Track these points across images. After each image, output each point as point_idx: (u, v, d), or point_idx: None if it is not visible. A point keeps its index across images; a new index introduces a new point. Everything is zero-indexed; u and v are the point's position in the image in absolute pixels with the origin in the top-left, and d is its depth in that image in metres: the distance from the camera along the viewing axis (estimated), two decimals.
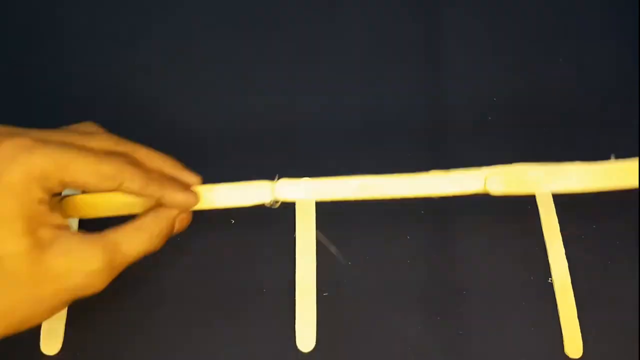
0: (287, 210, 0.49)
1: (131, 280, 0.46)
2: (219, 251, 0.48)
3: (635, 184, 0.47)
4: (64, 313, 0.46)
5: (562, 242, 0.48)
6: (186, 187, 0.40)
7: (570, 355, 0.45)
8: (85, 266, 0.36)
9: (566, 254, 0.48)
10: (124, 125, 0.52)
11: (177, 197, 0.39)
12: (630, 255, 0.49)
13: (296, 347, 0.45)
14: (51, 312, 0.37)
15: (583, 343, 0.45)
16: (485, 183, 0.45)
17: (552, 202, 0.49)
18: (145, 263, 0.46)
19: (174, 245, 0.48)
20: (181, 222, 0.41)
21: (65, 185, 0.36)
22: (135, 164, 0.38)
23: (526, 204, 0.50)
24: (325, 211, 0.49)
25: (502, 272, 0.48)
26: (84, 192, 0.41)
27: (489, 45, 0.56)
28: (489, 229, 0.49)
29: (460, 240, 0.49)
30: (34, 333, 0.45)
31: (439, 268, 0.48)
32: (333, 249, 0.47)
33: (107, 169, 0.36)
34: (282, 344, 0.45)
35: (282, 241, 0.48)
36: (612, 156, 0.47)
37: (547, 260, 0.48)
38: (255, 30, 0.56)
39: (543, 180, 0.47)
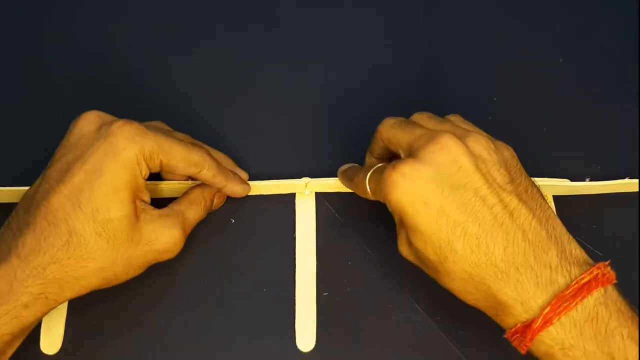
0: (287, 210, 0.50)
1: (131, 280, 0.46)
2: (219, 251, 0.48)
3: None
4: (64, 312, 0.46)
5: None
6: (242, 180, 0.48)
7: None
8: (168, 232, 0.43)
9: None
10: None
11: (236, 187, 0.47)
12: (631, 255, 0.49)
13: (296, 346, 0.45)
14: (137, 270, 0.43)
15: None
16: None
17: (552, 203, 0.50)
18: None
19: None
20: (219, 198, 0.48)
21: (162, 166, 0.43)
22: (211, 156, 0.45)
23: None
24: (326, 211, 0.49)
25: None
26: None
27: (489, 44, 0.56)
28: None
29: None
30: (34, 332, 0.45)
31: None
32: None
33: (195, 157, 0.44)
34: (282, 343, 0.45)
35: (283, 241, 0.49)
36: (587, 179, 0.50)
37: None
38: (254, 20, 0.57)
39: None
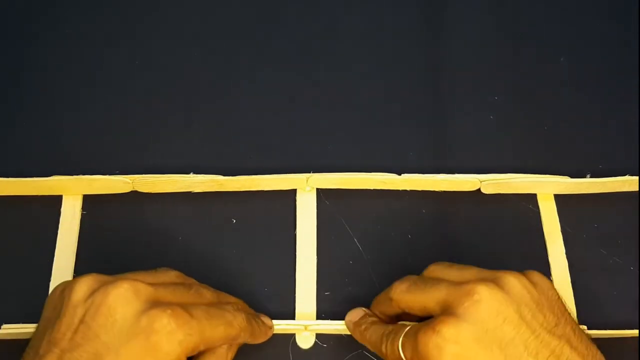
0: (288, 207, 0.49)
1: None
2: (221, 250, 0.48)
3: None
4: None
5: (562, 241, 0.49)
6: (267, 327, 0.44)
7: None
8: None
9: (566, 252, 0.48)
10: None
11: (264, 339, 0.43)
12: (631, 254, 0.49)
13: (296, 343, 0.45)
14: None
15: None
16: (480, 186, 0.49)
17: (553, 201, 0.50)
18: (146, 262, 0.47)
19: (176, 245, 0.48)
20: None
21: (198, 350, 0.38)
22: (242, 326, 0.40)
23: (528, 204, 0.50)
24: (327, 211, 0.50)
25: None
26: None
27: (490, 44, 0.56)
28: (490, 228, 0.49)
29: (461, 239, 0.49)
30: None
31: None
32: None
33: (234, 334, 0.39)
34: (282, 340, 0.45)
35: (283, 238, 0.48)
36: (588, 175, 0.49)
37: (548, 259, 0.48)
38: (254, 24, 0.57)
39: (530, 189, 0.50)
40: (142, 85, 0.54)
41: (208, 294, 0.41)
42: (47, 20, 0.56)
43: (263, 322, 0.43)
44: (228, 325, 0.39)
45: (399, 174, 0.48)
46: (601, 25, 0.57)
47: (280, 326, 0.44)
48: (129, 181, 0.48)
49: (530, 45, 0.56)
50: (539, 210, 0.50)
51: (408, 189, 0.50)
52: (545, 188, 0.49)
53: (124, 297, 0.36)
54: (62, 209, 0.48)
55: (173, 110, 0.52)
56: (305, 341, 0.45)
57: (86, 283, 0.37)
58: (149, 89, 0.54)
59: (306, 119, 0.53)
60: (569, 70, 0.55)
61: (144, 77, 0.54)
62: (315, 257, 0.48)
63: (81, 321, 0.35)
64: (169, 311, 0.35)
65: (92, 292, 0.36)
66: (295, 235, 0.48)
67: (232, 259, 0.48)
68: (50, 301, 0.38)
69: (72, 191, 0.48)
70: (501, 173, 0.49)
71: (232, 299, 0.43)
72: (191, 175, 0.48)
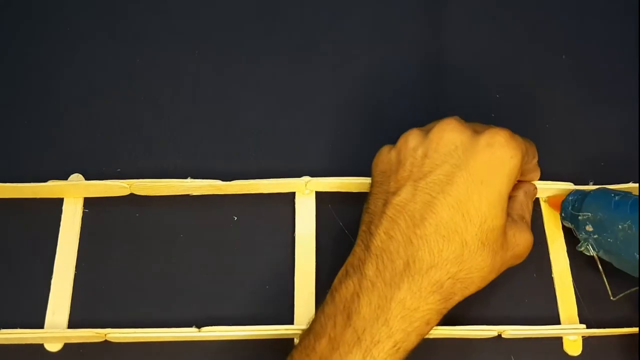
0: (288, 209, 0.49)
1: (131, 278, 0.47)
2: (221, 248, 0.49)
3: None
4: (67, 310, 0.46)
5: (563, 238, 0.49)
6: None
7: (569, 353, 0.46)
8: (524, 237, 0.43)
9: (567, 250, 0.48)
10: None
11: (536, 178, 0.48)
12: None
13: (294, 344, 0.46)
14: (495, 276, 0.42)
15: (582, 341, 0.46)
16: None
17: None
18: (147, 262, 0.47)
19: (176, 242, 0.48)
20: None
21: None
22: (535, 152, 0.45)
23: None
24: (327, 213, 0.49)
25: (505, 270, 0.47)
26: None
27: (491, 41, 0.56)
28: None
29: None
30: None
31: None
32: None
33: (533, 156, 0.45)
34: (281, 345, 0.46)
35: (283, 239, 0.49)
36: (591, 183, 0.49)
37: (549, 256, 0.48)
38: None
39: None
40: (142, 86, 0.54)
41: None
42: (47, 20, 0.56)
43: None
44: (531, 145, 0.44)
45: None
46: (603, 22, 0.57)
47: (279, 331, 0.45)
48: (127, 186, 0.48)
49: (532, 42, 0.56)
50: (540, 208, 0.50)
51: None
52: (548, 194, 0.49)
53: (457, 128, 0.41)
54: (64, 209, 0.48)
55: (172, 111, 0.52)
56: None
57: (414, 133, 0.43)
58: (149, 89, 0.53)
59: (306, 120, 0.53)
60: (572, 68, 0.55)
61: (144, 78, 0.54)
62: (315, 259, 0.48)
63: (425, 156, 0.41)
64: (503, 131, 0.41)
65: (424, 136, 0.42)
66: (294, 237, 0.48)
67: (232, 261, 0.48)
68: (381, 161, 0.44)
69: (70, 194, 0.48)
70: None
71: None
72: (189, 180, 0.48)
